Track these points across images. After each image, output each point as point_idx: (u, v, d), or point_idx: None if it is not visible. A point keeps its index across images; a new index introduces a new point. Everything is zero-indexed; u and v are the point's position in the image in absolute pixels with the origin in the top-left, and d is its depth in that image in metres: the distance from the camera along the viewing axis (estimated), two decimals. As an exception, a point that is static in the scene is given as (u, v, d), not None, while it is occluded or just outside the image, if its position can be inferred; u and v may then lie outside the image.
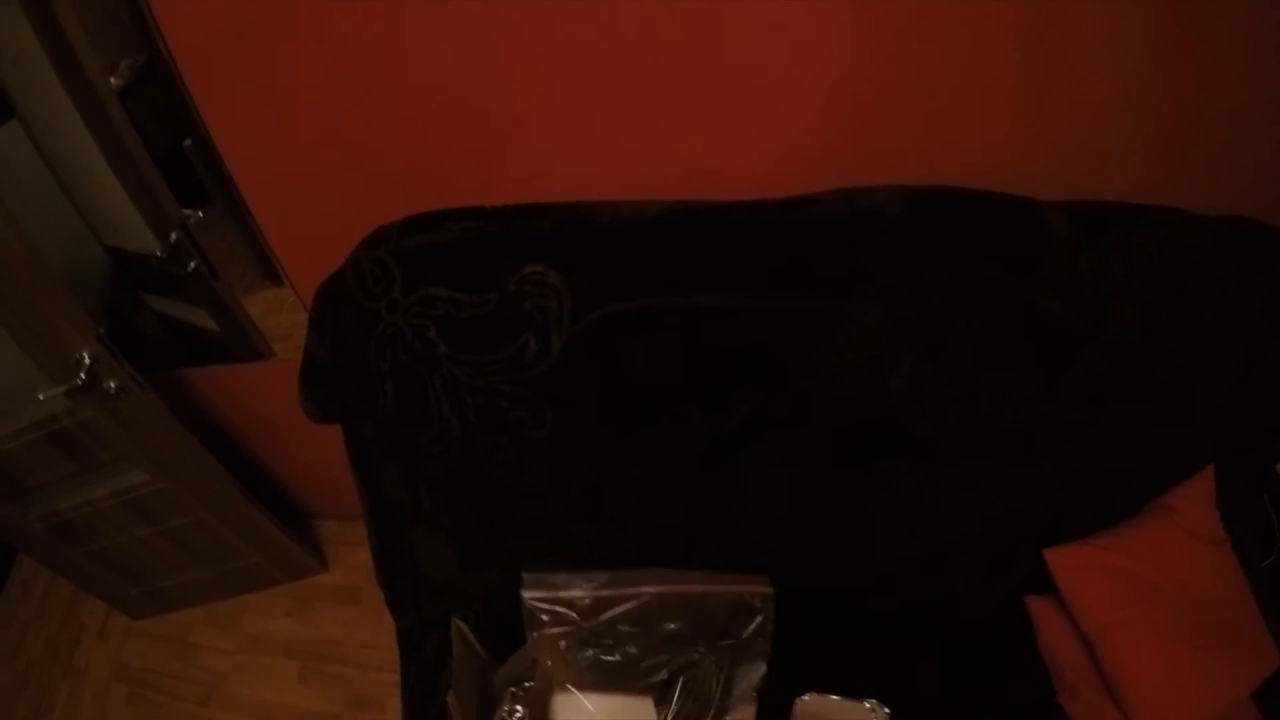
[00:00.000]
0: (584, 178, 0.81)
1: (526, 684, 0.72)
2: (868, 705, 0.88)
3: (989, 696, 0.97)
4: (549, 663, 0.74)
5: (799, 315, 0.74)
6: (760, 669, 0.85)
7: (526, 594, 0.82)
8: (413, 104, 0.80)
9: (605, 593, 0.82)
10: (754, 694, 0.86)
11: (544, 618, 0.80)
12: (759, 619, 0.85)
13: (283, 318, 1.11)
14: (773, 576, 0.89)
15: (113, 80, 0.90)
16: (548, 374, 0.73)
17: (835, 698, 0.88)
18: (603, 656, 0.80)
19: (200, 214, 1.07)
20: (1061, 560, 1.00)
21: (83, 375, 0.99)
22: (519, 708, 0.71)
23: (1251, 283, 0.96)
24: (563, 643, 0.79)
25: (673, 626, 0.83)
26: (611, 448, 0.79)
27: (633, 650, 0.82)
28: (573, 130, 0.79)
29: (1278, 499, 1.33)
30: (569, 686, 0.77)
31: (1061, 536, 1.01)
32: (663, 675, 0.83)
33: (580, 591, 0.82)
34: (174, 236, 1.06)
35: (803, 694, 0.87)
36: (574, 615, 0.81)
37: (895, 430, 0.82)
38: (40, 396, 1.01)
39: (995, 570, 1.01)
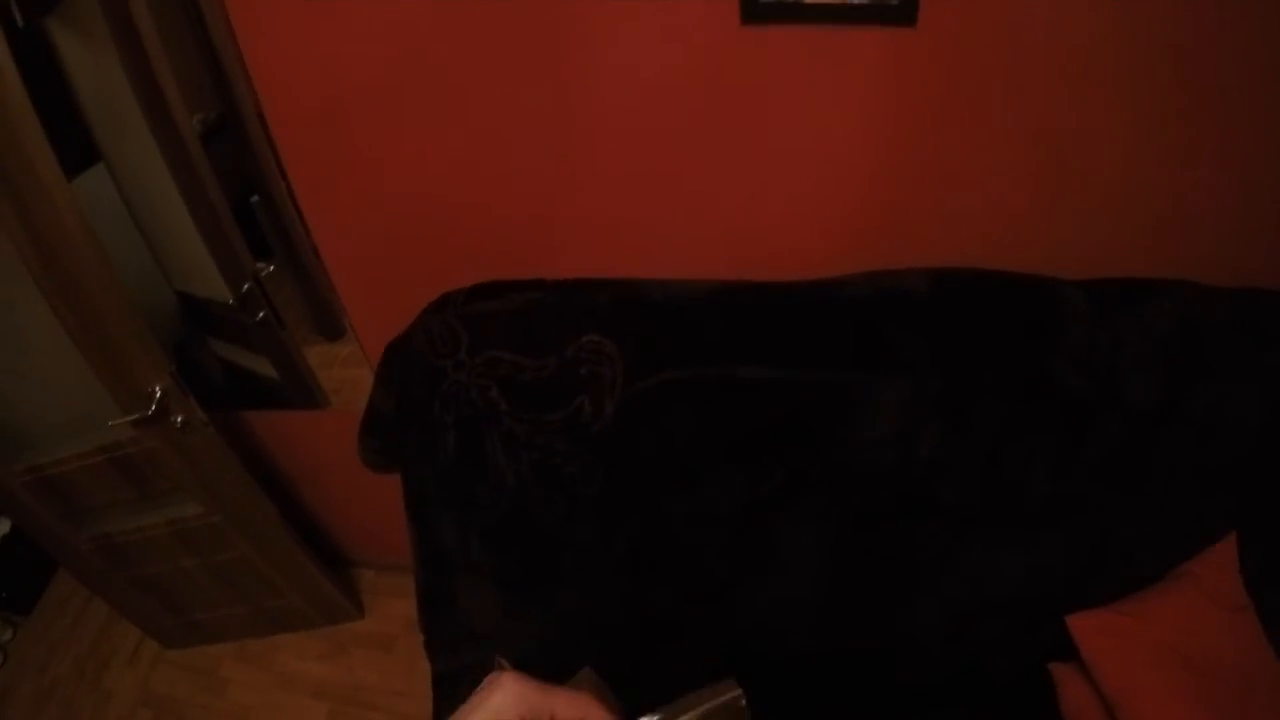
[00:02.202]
0: (637, 258, 0.89)
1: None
2: (892, 767, 0.90)
3: (1011, 764, 0.97)
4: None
5: (831, 388, 0.80)
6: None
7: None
8: (486, 189, 0.88)
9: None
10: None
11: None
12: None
13: (335, 372, 1.18)
14: (804, 635, 0.92)
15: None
16: (600, 435, 0.79)
17: (860, 758, 0.89)
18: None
19: (271, 267, 1.15)
20: (1084, 625, 1.02)
21: (153, 407, 1.05)
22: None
23: (1270, 350, 1.00)
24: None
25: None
26: (656, 506, 0.84)
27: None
28: (626, 215, 0.87)
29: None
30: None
31: (1085, 602, 1.03)
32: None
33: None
34: (246, 286, 1.14)
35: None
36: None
37: (922, 496, 0.86)
38: (110, 424, 1.07)
39: (1020, 636, 1.03)
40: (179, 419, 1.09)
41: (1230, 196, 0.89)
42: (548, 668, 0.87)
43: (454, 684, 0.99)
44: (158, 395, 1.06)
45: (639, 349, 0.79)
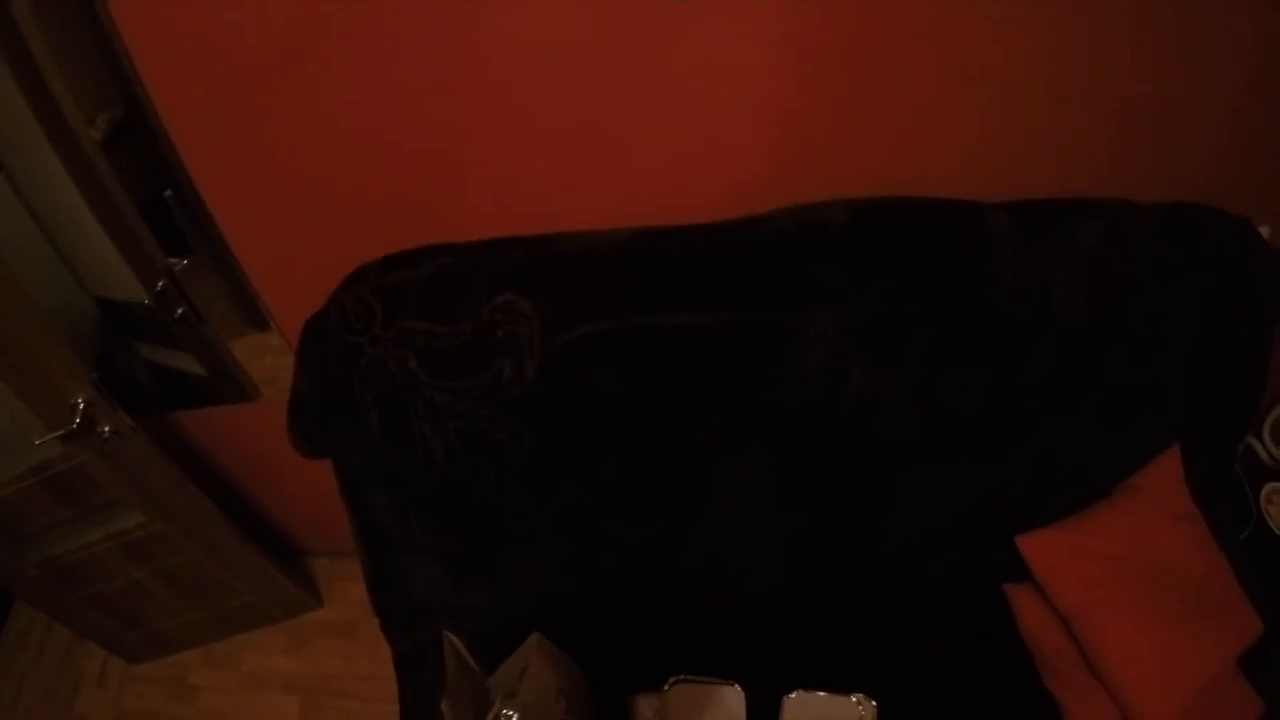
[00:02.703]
0: (551, 212, 0.86)
1: (516, 695, 0.75)
2: (854, 700, 0.91)
3: (975, 684, 0.99)
4: (538, 668, 0.77)
5: (756, 327, 0.78)
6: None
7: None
8: (386, 151, 0.84)
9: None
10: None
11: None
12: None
13: (267, 361, 1.14)
14: (755, 580, 0.92)
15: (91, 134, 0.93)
16: (524, 396, 0.77)
17: (822, 694, 0.90)
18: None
19: (185, 262, 1.11)
20: (1034, 545, 1.03)
21: (78, 420, 1.01)
22: (513, 715, 0.73)
23: (1199, 263, 1.01)
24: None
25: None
26: (590, 464, 0.82)
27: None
28: (536, 169, 0.84)
29: (1251, 470, 1.37)
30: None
31: (1035, 523, 1.04)
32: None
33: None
34: (160, 284, 1.09)
35: (790, 693, 0.90)
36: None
37: (859, 432, 0.86)
38: (36, 443, 1.03)
39: (973, 561, 1.04)
40: (106, 429, 1.05)
41: (1151, 112, 0.88)
42: (500, 637, 0.87)
43: (415, 662, 0.99)
44: (81, 407, 1.02)
45: (555, 305, 0.77)
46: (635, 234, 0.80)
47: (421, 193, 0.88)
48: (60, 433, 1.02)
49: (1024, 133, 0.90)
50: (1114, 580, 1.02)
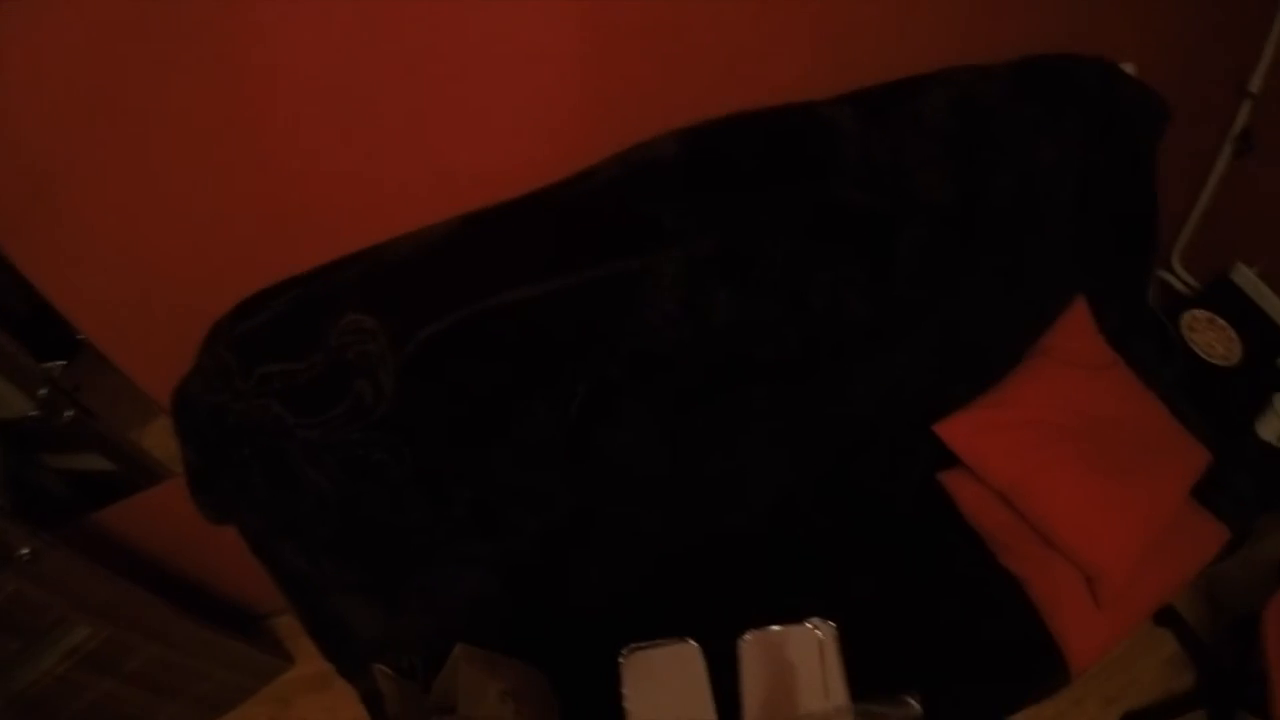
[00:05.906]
0: (382, 224, 0.83)
1: (456, 709, 0.74)
2: (810, 625, 0.90)
3: (932, 581, 0.99)
4: (469, 678, 0.76)
5: (602, 282, 0.77)
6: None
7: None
8: (204, 210, 0.82)
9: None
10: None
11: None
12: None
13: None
14: (681, 533, 0.90)
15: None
16: (390, 413, 0.76)
17: (776, 628, 0.90)
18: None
19: (63, 364, 1.08)
20: (953, 431, 1.03)
21: (-8, 551, 0.99)
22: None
23: (1062, 112, 0.99)
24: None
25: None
26: (475, 461, 0.81)
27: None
28: (355, 185, 0.81)
29: (1171, 304, 1.37)
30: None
31: (952, 408, 1.04)
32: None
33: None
34: (42, 392, 1.07)
35: (743, 635, 0.89)
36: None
37: (738, 360, 0.85)
38: (-45, 584, 1.01)
39: (897, 460, 1.03)
40: (25, 551, 1.03)
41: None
42: (445, 654, 0.86)
43: (380, 698, 0.97)
44: (-8, 537, 1.00)
45: (397, 313, 0.75)
46: (462, 221, 0.78)
47: (251, 240, 0.85)
48: (-22, 569, 1.00)
49: (859, 18, 0.88)
50: (1041, 445, 1.01)
